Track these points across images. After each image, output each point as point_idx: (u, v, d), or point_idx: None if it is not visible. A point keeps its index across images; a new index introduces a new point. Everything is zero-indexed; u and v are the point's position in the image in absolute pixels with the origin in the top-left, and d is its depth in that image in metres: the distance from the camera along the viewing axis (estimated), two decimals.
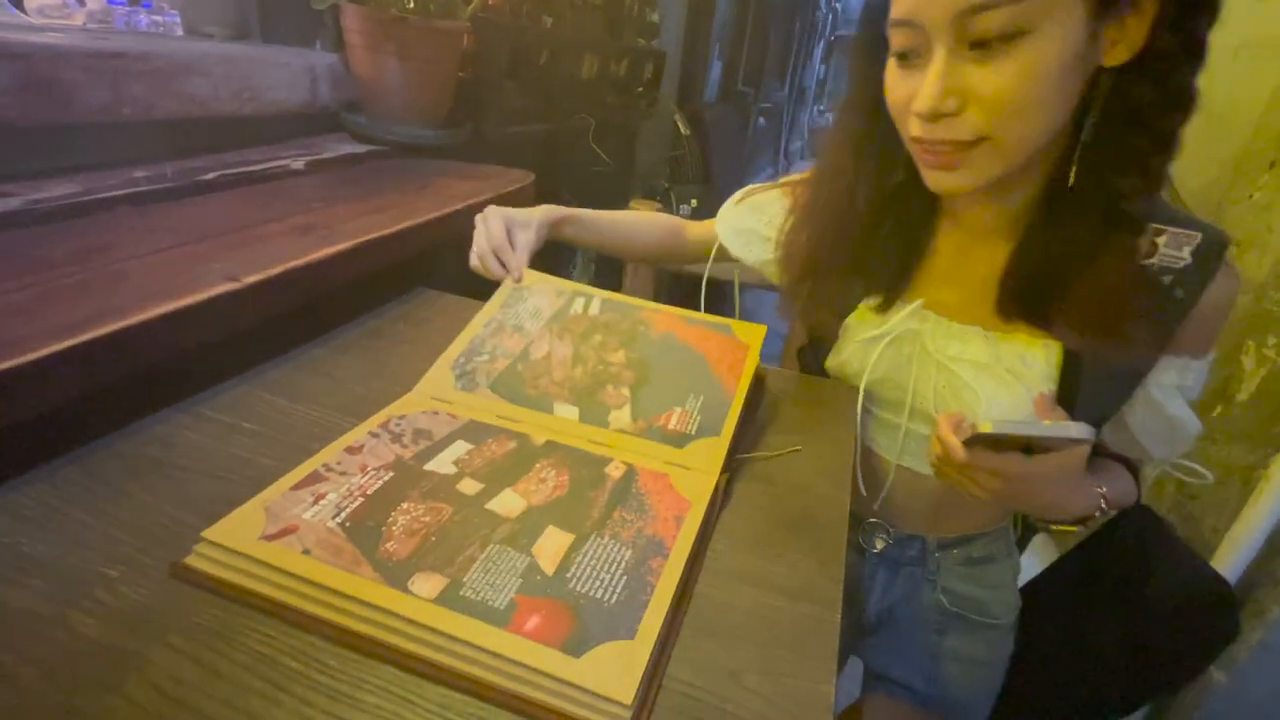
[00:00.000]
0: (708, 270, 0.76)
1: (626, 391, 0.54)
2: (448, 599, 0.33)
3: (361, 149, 1.02)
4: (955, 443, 0.44)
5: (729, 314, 0.65)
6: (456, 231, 0.85)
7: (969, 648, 0.65)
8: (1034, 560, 0.72)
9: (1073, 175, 0.48)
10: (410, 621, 0.32)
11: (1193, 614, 0.57)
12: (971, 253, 0.57)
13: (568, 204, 0.73)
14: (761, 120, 4.35)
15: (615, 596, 0.35)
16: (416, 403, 0.51)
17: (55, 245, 0.59)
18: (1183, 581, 0.57)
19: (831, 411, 0.59)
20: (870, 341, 0.58)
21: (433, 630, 0.32)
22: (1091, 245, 0.50)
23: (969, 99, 0.44)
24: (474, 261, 0.67)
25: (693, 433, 0.50)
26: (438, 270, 0.92)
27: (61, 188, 0.69)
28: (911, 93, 0.47)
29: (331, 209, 0.76)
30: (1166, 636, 0.57)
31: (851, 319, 0.60)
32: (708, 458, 0.47)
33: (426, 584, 0.34)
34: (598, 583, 0.36)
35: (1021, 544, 0.71)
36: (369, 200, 0.81)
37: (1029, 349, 0.54)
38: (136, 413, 0.49)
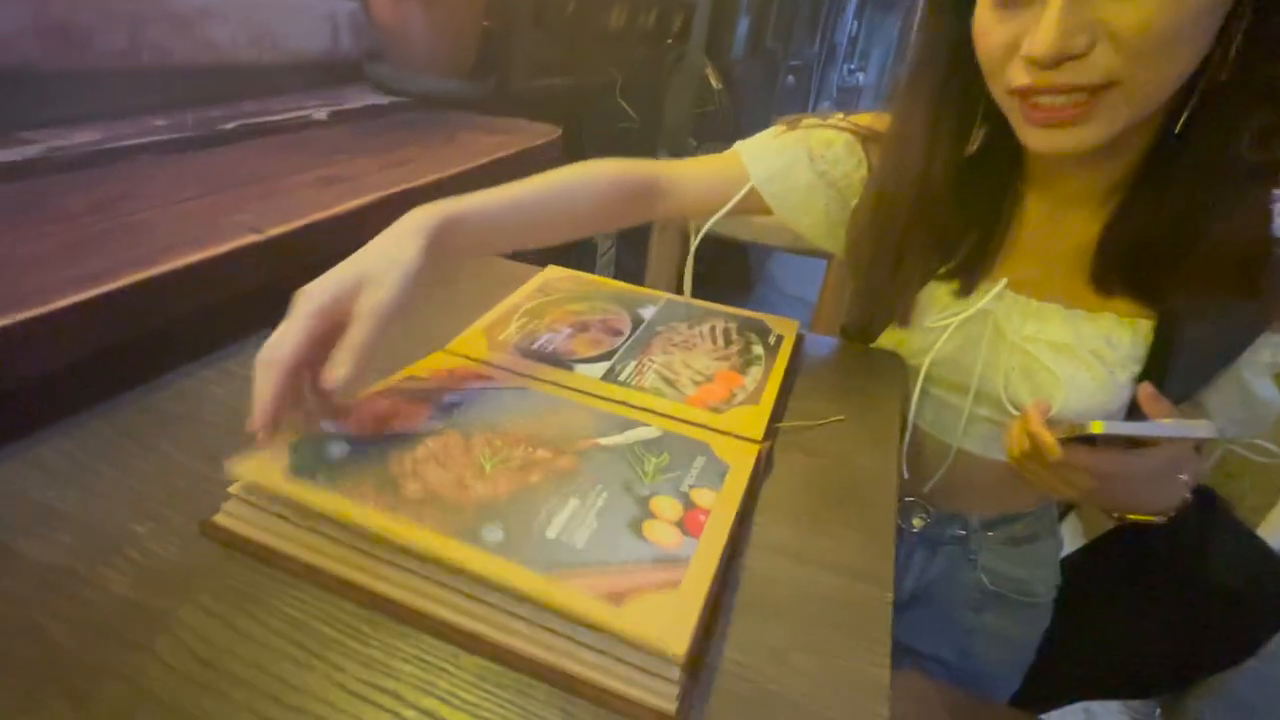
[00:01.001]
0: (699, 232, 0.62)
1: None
2: (479, 542, 0.32)
3: (384, 100, 0.99)
4: (1050, 440, 0.41)
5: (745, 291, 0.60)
6: (484, 187, 0.82)
7: (1006, 625, 0.64)
8: (1070, 533, 0.69)
9: (1183, 120, 0.43)
10: (448, 568, 0.30)
11: (1252, 597, 0.54)
12: (1059, 223, 0.52)
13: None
14: (790, 79, 4.19)
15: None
16: (443, 360, 0.49)
17: (75, 195, 0.58)
18: (1243, 563, 0.55)
19: (875, 380, 0.56)
20: (936, 327, 0.54)
21: (471, 578, 0.30)
22: (1210, 206, 0.45)
23: (1098, 36, 0.38)
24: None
25: (732, 400, 0.48)
26: None
27: (81, 136, 0.68)
28: (1017, 34, 0.41)
29: (355, 161, 0.74)
30: (1220, 619, 0.55)
31: (921, 296, 0.56)
32: (747, 425, 0.45)
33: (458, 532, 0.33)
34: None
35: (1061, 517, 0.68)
36: (393, 153, 0.79)
37: (1115, 329, 0.50)
38: (161, 367, 0.48)
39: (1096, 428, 0.37)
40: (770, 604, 0.35)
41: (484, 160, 0.80)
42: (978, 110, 0.51)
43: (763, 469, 0.43)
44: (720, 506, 0.37)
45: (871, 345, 0.62)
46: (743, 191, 0.58)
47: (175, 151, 0.71)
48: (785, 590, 0.35)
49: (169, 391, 0.46)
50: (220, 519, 0.35)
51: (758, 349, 0.55)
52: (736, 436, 0.44)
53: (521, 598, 0.30)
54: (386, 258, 0.38)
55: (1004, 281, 0.52)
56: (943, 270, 0.55)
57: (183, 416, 0.44)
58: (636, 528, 0.34)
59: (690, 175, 0.59)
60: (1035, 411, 0.43)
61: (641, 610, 0.29)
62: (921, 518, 0.65)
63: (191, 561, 0.33)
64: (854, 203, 0.58)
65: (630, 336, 0.55)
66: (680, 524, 0.35)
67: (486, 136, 0.92)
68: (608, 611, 0.29)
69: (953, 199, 0.51)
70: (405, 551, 0.32)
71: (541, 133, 0.97)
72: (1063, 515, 0.67)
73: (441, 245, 0.41)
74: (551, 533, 0.33)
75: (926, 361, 0.55)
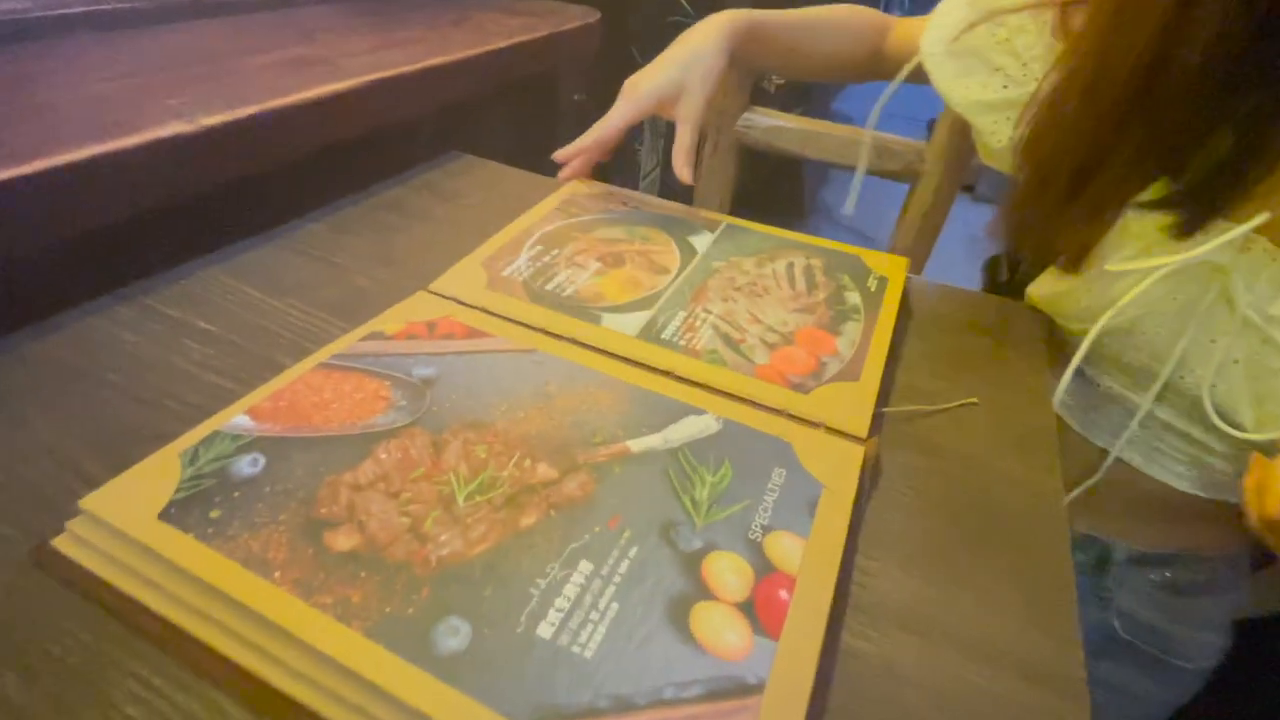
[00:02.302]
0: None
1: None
2: (427, 657, 0.20)
3: None
4: None
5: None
6: (499, 79, 0.67)
7: (1130, 681, 0.49)
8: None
9: None
10: (382, 695, 0.19)
11: None
12: None
13: (635, 66, 0.49)
14: None
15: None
16: (423, 306, 0.36)
17: None
18: None
19: (1017, 346, 0.41)
20: (1129, 272, 0.37)
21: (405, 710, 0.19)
22: None
23: None
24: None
25: (821, 374, 0.34)
26: (476, 129, 0.75)
27: (4, 3, 0.54)
28: None
29: (340, 41, 0.59)
30: None
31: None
32: (846, 413, 0.32)
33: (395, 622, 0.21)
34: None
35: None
36: (390, 33, 0.63)
37: None
38: (59, 302, 0.36)
39: None
40: (894, 714, 0.22)
41: (500, 44, 0.64)
42: None
43: (869, 485, 0.30)
44: (812, 569, 0.24)
45: (1016, 297, 0.47)
46: (912, 63, 0.47)
47: (123, 26, 0.57)
48: (915, 693, 0.23)
49: (62, 335, 0.35)
50: (61, 543, 0.23)
51: (853, 297, 0.40)
52: (831, 431, 0.31)
53: None
54: (698, 63, 0.44)
55: (1258, 219, 0.33)
56: (1154, 193, 0.36)
57: (72, 371, 0.32)
58: (681, 617, 0.22)
59: (904, 34, 0.53)
60: None
61: None
62: None
63: (10, 611, 0.22)
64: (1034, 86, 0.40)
65: (679, 275, 0.41)
66: (749, 607, 0.22)
67: (508, 18, 0.75)
68: None
69: (1203, 90, 0.32)
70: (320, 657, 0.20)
71: (576, 15, 0.79)
72: (1260, 564, 0.50)
73: (744, 50, 0.48)
74: (546, 630, 0.21)
75: (1098, 325, 0.38)
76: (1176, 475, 0.42)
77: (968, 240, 1.89)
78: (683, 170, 0.46)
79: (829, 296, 0.40)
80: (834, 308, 0.39)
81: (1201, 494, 0.42)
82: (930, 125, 0.67)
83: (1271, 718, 0.50)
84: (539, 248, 0.42)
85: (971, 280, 0.56)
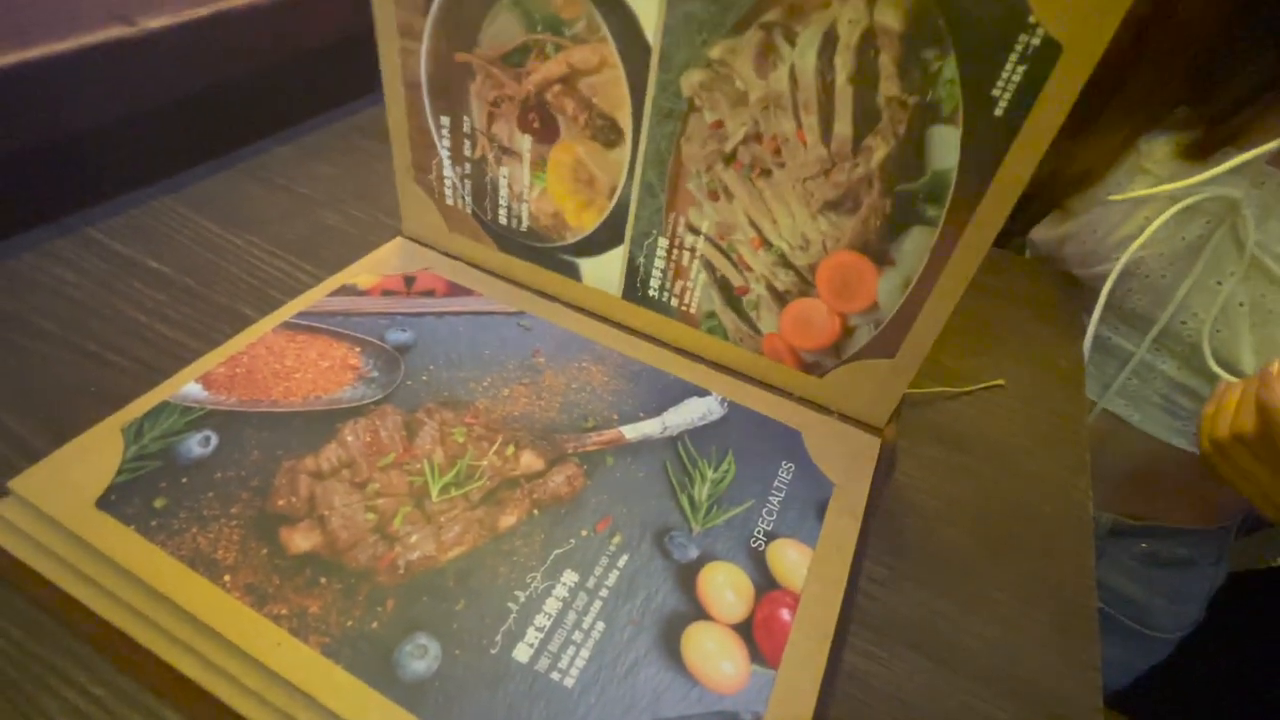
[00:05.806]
0: None
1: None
2: (391, 682, 0.18)
3: None
4: None
5: None
6: None
7: (1105, 651, 0.50)
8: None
9: None
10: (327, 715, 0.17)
11: None
12: None
13: None
14: None
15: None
16: (405, 257, 0.33)
17: None
18: None
19: (1046, 315, 0.38)
20: (1135, 203, 0.35)
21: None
22: None
23: None
24: None
25: (843, 347, 0.30)
26: None
27: None
28: None
29: None
30: None
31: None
32: (867, 397, 0.28)
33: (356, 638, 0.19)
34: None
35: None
36: None
37: None
38: None
39: None
40: None
41: None
42: None
43: (883, 480, 0.27)
44: (817, 585, 0.22)
45: (1011, 239, 0.45)
46: None
47: None
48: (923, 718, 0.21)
49: None
50: None
51: (947, 139, 0.20)
52: (845, 419, 0.28)
53: None
54: None
55: (1273, 145, 0.30)
56: (1170, 122, 0.34)
57: (2, 316, 0.29)
58: (672, 640, 0.20)
59: None
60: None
61: None
62: None
63: None
64: None
65: (637, 138, 0.26)
66: (747, 629, 0.20)
67: None
68: None
69: None
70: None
71: None
72: (1246, 530, 0.49)
73: None
74: (524, 652, 0.19)
75: (1115, 272, 0.36)
76: (1166, 429, 0.41)
77: None
78: None
79: (893, 152, 0.21)
80: (896, 187, 0.22)
81: (1191, 448, 0.41)
82: None
83: (1233, 678, 0.51)
84: (445, 119, 0.29)
85: None
